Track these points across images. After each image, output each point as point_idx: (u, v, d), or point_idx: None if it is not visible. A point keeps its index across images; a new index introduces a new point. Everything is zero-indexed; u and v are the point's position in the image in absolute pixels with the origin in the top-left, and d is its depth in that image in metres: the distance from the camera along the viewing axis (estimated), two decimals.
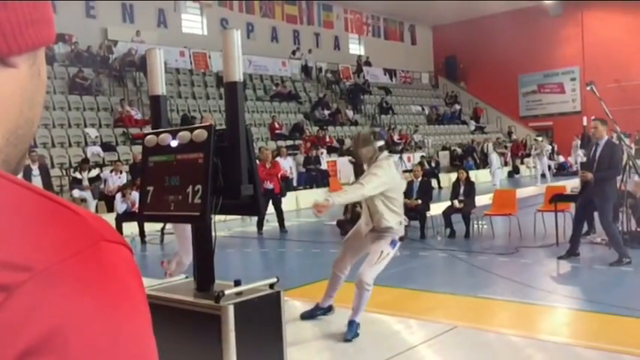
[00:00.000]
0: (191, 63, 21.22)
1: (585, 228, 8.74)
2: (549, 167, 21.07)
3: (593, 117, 7.47)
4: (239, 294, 2.83)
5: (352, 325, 4.42)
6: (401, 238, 4.51)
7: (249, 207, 3.08)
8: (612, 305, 5.38)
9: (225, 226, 11.64)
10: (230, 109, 2.96)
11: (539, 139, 21.76)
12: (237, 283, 2.88)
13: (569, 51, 28.91)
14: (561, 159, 24.60)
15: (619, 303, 5.53)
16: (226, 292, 2.77)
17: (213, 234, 2.99)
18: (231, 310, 2.69)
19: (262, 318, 2.90)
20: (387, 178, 4.36)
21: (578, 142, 23.54)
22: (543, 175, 19.49)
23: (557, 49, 29.10)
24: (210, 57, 21.39)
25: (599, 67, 25.78)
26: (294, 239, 10.74)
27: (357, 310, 4.43)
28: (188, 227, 4.43)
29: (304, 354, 4.11)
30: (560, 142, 26.97)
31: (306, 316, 4.91)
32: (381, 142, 4.53)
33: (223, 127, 3.03)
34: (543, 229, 9.22)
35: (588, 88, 8.92)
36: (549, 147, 23.15)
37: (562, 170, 22.56)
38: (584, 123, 23.70)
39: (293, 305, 5.25)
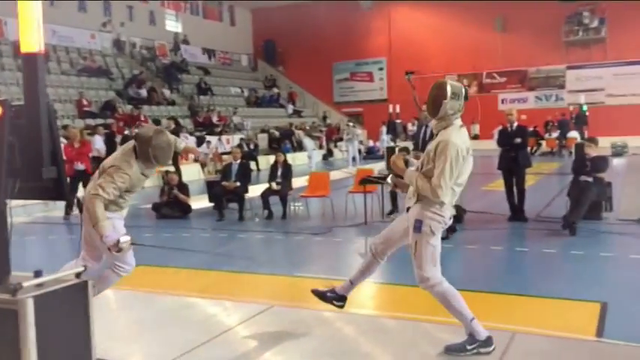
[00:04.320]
0: None
1: (390, 207, 9.49)
2: (360, 151, 22.51)
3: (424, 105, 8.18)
4: (40, 285, 2.60)
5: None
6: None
7: (53, 191, 2.84)
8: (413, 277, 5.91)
9: (24, 211, 10.61)
10: (29, 83, 2.69)
11: (351, 124, 23.14)
12: (37, 274, 2.64)
13: (377, 43, 31.00)
14: (370, 143, 26.38)
15: None
16: (24, 284, 2.52)
17: (8, 220, 2.71)
18: (30, 303, 2.46)
19: (67, 310, 2.69)
20: (455, 163, 3.45)
21: (384, 128, 25.52)
22: (354, 159, 20.77)
23: (367, 41, 31.03)
24: (5, 24, 19.19)
25: (403, 59, 27.99)
26: None
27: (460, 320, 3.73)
28: (94, 234, 4.04)
29: (116, 344, 3.92)
30: (370, 127, 28.94)
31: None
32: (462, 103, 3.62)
33: (22, 102, 2.75)
34: (354, 209, 9.83)
35: (407, 77, 9.71)
36: (360, 132, 24.71)
37: (371, 154, 24.19)
38: (390, 110, 25.78)
39: (104, 294, 4.96)
